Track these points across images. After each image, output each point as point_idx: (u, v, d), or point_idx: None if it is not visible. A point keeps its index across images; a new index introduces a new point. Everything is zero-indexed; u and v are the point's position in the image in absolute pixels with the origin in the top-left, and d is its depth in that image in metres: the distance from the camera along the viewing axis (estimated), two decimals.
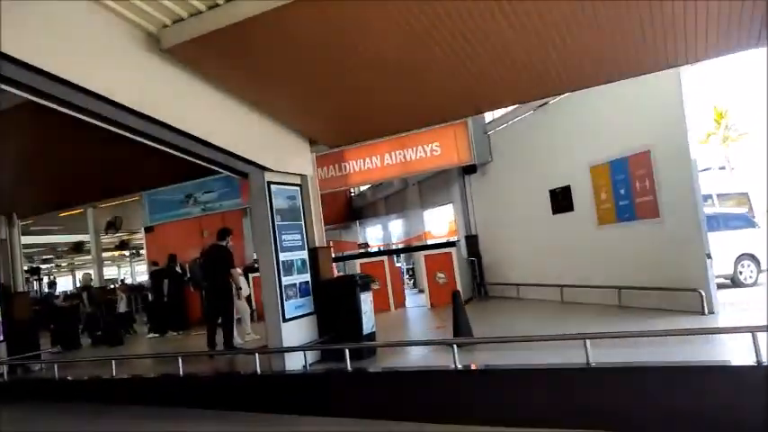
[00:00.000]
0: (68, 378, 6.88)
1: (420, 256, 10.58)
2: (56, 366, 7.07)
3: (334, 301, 6.24)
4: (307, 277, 6.41)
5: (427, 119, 7.02)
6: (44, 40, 3.67)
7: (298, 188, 6.56)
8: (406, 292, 12.12)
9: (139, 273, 34.13)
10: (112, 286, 19.87)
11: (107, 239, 21.01)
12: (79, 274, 39.61)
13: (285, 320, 5.93)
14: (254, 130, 5.83)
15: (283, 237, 6.16)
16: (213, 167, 5.88)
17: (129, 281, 31.02)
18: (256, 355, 5.52)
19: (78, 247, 23.19)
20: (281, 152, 6.25)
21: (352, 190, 19.03)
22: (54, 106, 4.24)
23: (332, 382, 5.13)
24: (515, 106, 9.62)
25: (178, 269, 12.30)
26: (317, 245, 6.60)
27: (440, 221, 13.91)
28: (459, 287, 10.20)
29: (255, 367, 5.56)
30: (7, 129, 6.12)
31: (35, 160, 7.54)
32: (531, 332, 6.13)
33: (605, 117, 7.61)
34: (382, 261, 11.41)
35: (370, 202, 18.76)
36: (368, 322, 6.22)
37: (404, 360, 5.68)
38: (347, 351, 4.96)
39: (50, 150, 7.21)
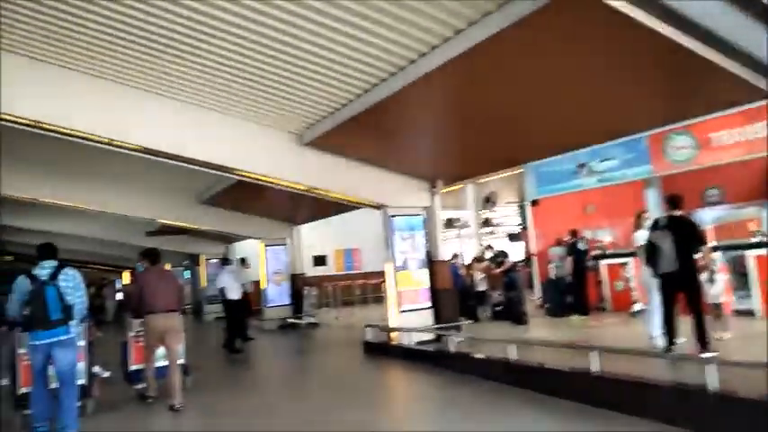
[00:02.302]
0: (533, 363, 5.87)
1: None
2: (514, 347, 6.12)
3: None
4: None
5: None
6: None
7: None
8: None
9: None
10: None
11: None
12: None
13: None
14: None
15: None
16: None
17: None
18: None
19: (450, 223, 24.49)
20: None
21: None
22: None
23: None
24: None
25: (580, 245, 10.78)
26: None
27: None
28: None
29: None
30: (467, 70, 5.37)
31: (471, 118, 6.89)
32: None
33: None
34: None
35: None
36: None
37: None
38: None
39: (490, 107, 6.41)
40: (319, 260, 21.08)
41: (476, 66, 5.19)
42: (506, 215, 28.65)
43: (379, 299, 19.94)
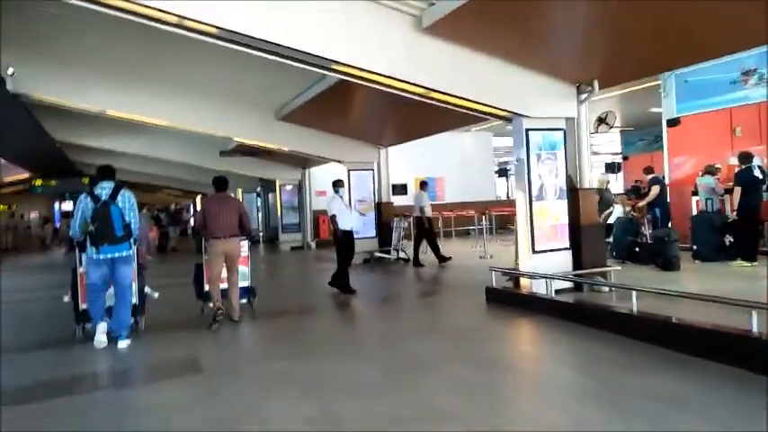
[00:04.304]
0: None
1: None
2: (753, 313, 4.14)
3: None
4: None
5: None
6: None
7: None
8: None
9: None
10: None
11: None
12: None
13: None
14: None
15: None
16: None
17: None
18: None
19: None
20: None
21: None
22: None
23: None
24: None
25: (757, 173, 8.42)
26: None
27: None
28: None
29: None
30: None
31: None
32: None
33: None
34: None
35: None
36: None
37: None
38: None
39: None
40: (399, 189, 19.43)
41: None
42: (602, 143, 25.60)
43: (466, 233, 18.32)
